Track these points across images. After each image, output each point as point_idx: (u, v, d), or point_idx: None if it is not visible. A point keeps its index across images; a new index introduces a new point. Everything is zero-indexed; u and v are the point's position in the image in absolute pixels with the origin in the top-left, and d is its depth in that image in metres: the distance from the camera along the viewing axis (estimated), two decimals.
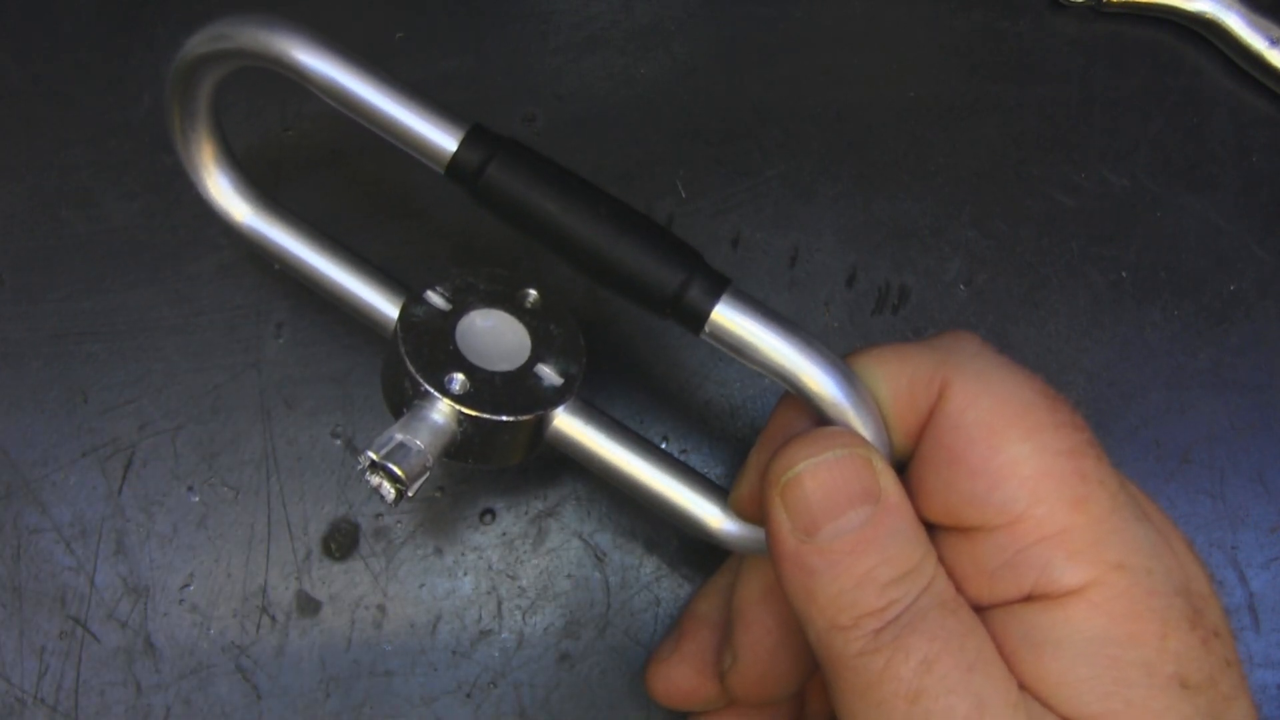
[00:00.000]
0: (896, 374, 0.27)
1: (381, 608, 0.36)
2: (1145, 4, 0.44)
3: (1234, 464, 0.38)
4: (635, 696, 0.35)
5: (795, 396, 0.28)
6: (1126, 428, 0.39)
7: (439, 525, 0.36)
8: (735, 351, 0.27)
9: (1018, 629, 0.25)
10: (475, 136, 0.27)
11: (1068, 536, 0.24)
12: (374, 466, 0.27)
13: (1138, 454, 0.38)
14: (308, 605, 0.36)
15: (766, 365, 0.27)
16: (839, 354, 0.27)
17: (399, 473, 0.27)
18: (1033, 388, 0.26)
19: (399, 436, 0.28)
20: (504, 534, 0.36)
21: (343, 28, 0.42)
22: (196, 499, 0.36)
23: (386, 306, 0.32)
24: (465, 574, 0.36)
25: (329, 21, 0.42)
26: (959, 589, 0.26)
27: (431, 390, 0.29)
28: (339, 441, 0.37)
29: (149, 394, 0.37)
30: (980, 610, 0.26)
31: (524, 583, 0.36)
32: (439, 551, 0.36)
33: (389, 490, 0.27)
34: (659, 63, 0.43)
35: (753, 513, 0.30)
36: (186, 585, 0.36)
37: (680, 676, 0.32)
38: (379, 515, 0.36)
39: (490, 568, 0.36)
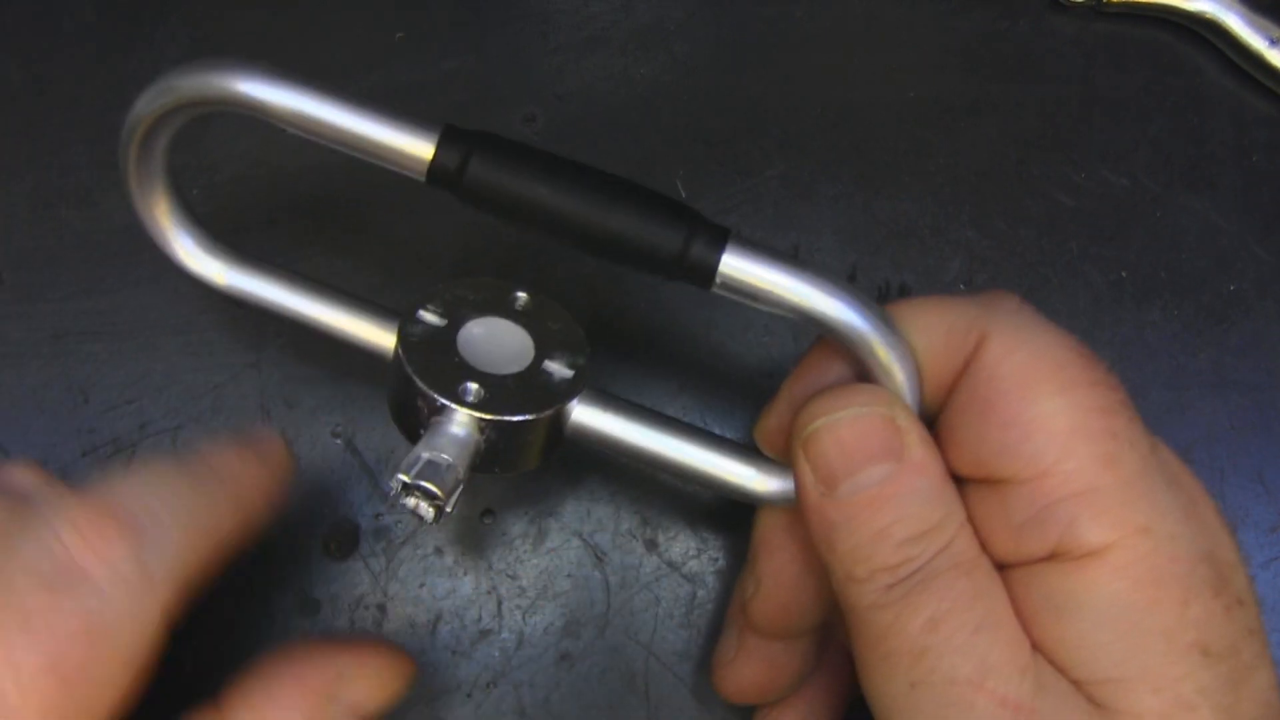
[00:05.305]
0: (935, 323, 0.27)
1: (381, 608, 0.36)
2: (1145, 4, 0.44)
3: (1234, 464, 0.38)
4: (635, 696, 0.35)
5: (829, 339, 0.28)
6: None
7: (439, 525, 0.36)
8: (752, 299, 0.27)
9: (1040, 590, 0.25)
10: (449, 137, 0.27)
11: (1095, 495, 0.24)
12: (407, 488, 0.27)
13: None
14: (308, 605, 0.36)
15: (785, 306, 0.27)
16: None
17: (435, 490, 0.27)
18: (1069, 345, 0.26)
19: (426, 455, 0.28)
20: (504, 534, 0.36)
21: (343, 28, 0.42)
22: None
23: (382, 334, 0.32)
24: (465, 574, 0.36)
25: (330, 22, 0.42)
26: (986, 545, 0.26)
27: (448, 403, 0.29)
28: (339, 441, 0.37)
29: (149, 394, 0.37)
30: (1006, 568, 0.26)
31: (524, 583, 0.36)
32: (439, 551, 0.36)
33: (427, 510, 0.27)
34: (659, 63, 0.43)
35: (776, 445, 0.30)
36: None
37: (753, 673, 0.32)
38: (379, 515, 0.36)
39: (490, 568, 0.36)
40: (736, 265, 0.27)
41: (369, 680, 0.29)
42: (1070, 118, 0.42)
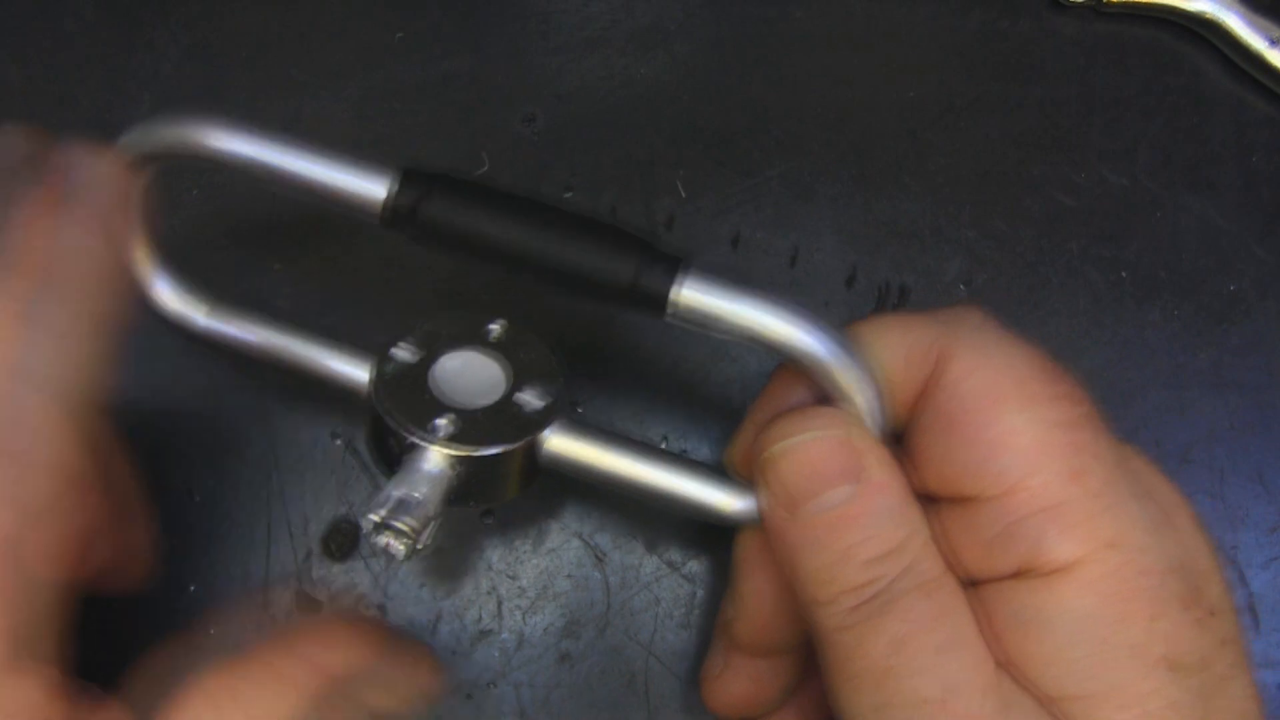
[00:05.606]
0: (896, 343, 0.27)
1: (381, 608, 0.36)
2: (1145, 4, 0.44)
3: (1234, 464, 0.38)
4: (635, 696, 0.35)
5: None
6: (1126, 428, 0.39)
7: (439, 525, 0.36)
8: (707, 327, 0.27)
9: (1008, 606, 0.25)
10: (406, 181, 0.28)
11: (1062, 510, 0.24)
12: (378, 527, 0.27)
13: None
14: (308, 605, 0.36)
15: (742, 333, 0.27)
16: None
17: (404, 528, 0.27)
18: (1032, 360, 0.26)
19: (396, 493, 0.28)
20: (504, 534, 0.36)
21: (343, 28, 0.42)
22: (197, 499, 0.36)
23: (358, 373, 0.32)
24: (465, 574, 0.36)
25: (329, 23, 0.42)
26: (955, 562, 0.26)
27: (418, 440, 0.29)
28: (339, 441, 0.37)
29: (149, 394, 0.37)
30: (976, 585, 0.25)
31: (524, 583, 0.36)
32: (439, 551, 0.36)
33: (399, 548, 0.27)
34: (659, 63, 0.43)
35: (745, 470, 0.30)
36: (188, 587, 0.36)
37: (740, 688, 0.32)
38: None
39: (490, 568, 0.36)
40: (690, 295, 0.27)
41: (392, 690, 0.28)
42: (1070, 118, 0.42)
